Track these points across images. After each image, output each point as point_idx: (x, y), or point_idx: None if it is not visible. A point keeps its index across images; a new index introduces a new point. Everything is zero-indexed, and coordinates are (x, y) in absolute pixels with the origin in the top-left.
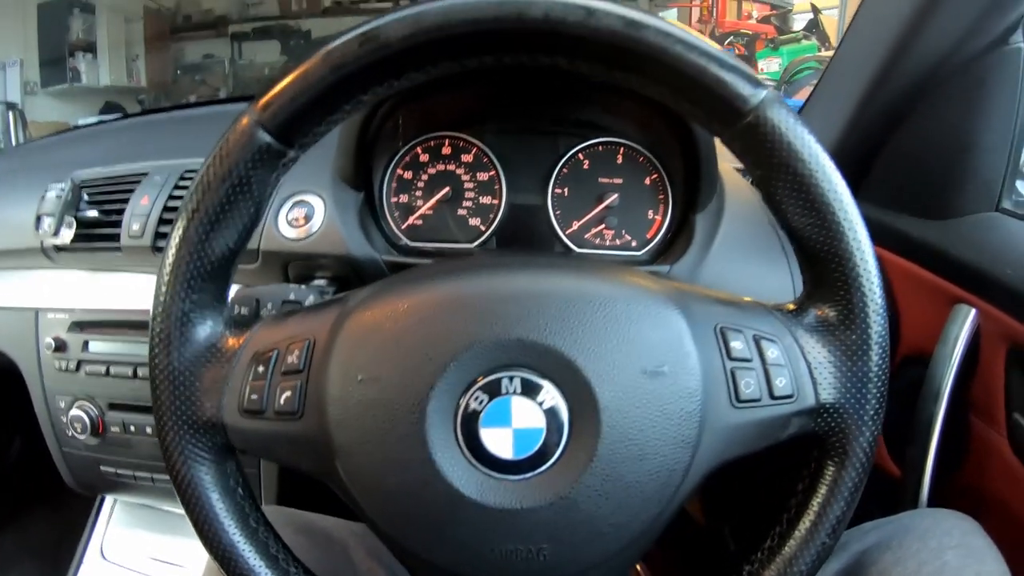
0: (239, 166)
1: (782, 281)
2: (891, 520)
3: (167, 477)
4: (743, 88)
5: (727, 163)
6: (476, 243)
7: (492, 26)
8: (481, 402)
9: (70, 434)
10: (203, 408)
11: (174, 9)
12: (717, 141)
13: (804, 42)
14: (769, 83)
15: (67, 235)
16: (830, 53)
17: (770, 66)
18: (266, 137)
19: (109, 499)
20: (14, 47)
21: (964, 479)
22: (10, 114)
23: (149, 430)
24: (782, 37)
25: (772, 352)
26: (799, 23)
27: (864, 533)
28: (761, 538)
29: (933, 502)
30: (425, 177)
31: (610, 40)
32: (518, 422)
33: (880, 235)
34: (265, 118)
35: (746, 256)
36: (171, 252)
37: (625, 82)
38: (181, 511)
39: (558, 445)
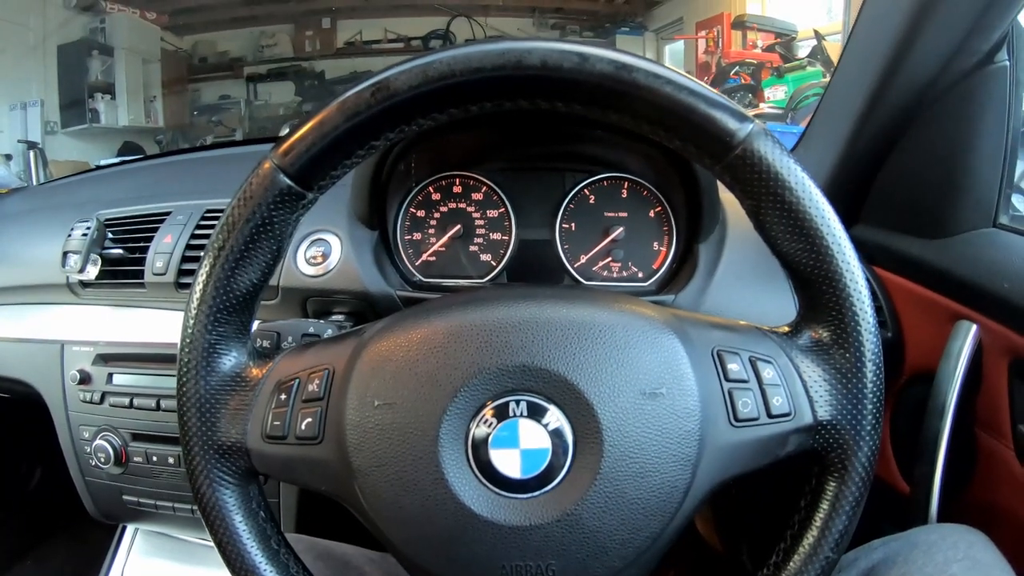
0: (262, 207)
1: (785, 305)
2: (898, 536)
3: (188, 506)
4: (730, 123)
5: (730, 193)
6: (487, 278)
7: (493, 74)
8: (490, 425)
9: (94, 464)
10: (228, 433)
11: (190, 51)
12: None
13: (809, 69)
14: (776, 111)
15: (92, 271)
16: None
17: (776, 94)
18: (286, 181)
19: (130, 528)
20: (35, 88)
21: (973, 493)
22: (31, 153)
23: (171, 460)
24: (787, 65)
25: (768, 372)
26: (803, 50)
27: (872, 550)
28: None
29: (944, 518)
30: (437, 215)
31: (603, 83)
32: (525, 443)
33: (882, 256)
34: (285, 163)
35: (749, 282)
36: (198, 287)
37: (620, 122)
38: (201, 540)
39: (563, 464)
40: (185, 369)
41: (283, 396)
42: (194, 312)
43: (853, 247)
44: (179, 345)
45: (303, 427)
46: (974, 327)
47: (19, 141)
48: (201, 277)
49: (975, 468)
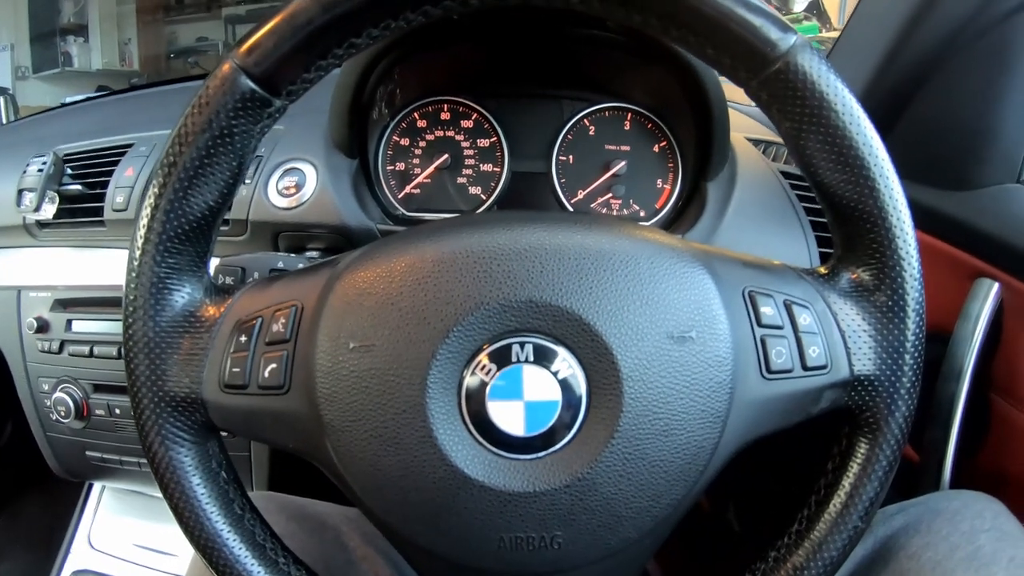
0: (220, 116)
1: (798, 251)
2: (917, 502)
3: None
4: (772, 32)
5: (737, 132)
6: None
7: None
8: (488, 372)
9: (54, 418)
10: (181, 382)
11: None
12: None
13: (805, 23)
14: None
15: (49, 210)
16: (832, 34)
17: None
18: (249, 84)
19: (97, 486)
20: (4, 31)
21: (985, 460)
22: (1, 99)
23: None
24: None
25: (804, 319)
26: (800, 4)
27: (889, 516)
28: (766, 518)
29: (954, 485)
30: (423, 144)
31: None
32: (530, 394)
33: None
34: (249, 63)
35: (760, 225)
36: (146, 211)
37: (643, 26)
38: None
39: (575, 420)
40: (131, 308)
41: (243, 338)
42: (141, 240)
43: (900, 182)
44: (124, 280)
45: (266, 374)
46: (996, 285)
47: None
48: (149, 199)
49: (987, 434)
